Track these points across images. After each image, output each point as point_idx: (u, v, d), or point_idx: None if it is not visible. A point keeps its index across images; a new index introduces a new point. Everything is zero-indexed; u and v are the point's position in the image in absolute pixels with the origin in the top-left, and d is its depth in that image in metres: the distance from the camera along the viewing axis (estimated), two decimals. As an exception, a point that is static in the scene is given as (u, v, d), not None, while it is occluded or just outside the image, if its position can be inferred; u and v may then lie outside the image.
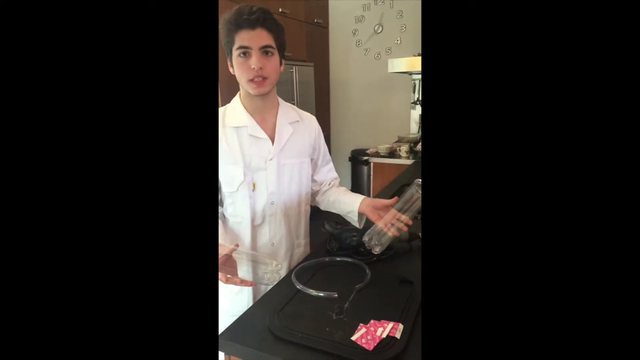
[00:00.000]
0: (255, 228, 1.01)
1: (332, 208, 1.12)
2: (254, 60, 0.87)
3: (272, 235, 1.03)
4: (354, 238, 1.04)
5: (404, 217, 0.92)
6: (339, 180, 1.19)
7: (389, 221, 0.93)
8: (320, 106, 3.43)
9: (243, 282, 0.80)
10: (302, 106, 2.99)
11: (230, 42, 0.88)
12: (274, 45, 0.89)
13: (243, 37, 0.86)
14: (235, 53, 0.88)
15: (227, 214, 1.01)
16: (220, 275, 0.80)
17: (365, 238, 0.95)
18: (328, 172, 1.15)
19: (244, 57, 0.88)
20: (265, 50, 0.88)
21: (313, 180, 1.12)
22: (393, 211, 0.93)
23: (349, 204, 1.05)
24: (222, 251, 0.79)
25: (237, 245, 0.82)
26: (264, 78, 0.90)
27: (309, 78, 3.14)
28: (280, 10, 2.76)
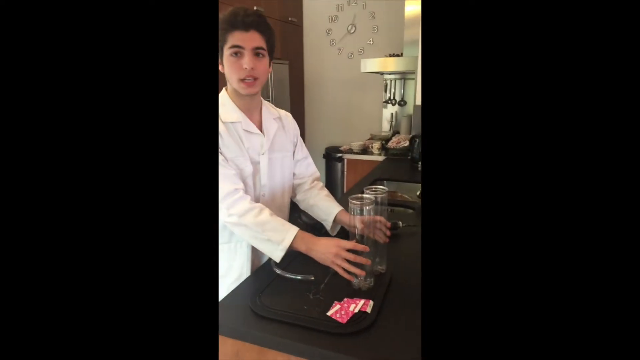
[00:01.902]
0: None
1: (310, 211, 1.17)
2: (247, 60, 0.91)
3: None
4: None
5: (380, 218, 0.94)
6: (318, 175, 1.24)
7: (372, 227, 0.91)
8: (295, 103, 3.48)
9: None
10: (277, 103, 3.05)
11: (223, 42, 0.92)
12: (265, 47, 0.94)
13: (237, 38, 0.90)
14: (227, 52, 0.92)
15: None
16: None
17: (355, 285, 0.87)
18: (307, 167, 1.21)
19: (236, 57, 0.92)
20: (256, 52, 0.92)
21: (293, 175, 1.20)
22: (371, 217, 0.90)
23: (326, 212, 1.11)
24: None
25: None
26: (255, 78, 0.94)
27: (284, 75, 3.19)
28: (255, 8, 2.78)
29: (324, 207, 1.12)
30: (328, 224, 1.11)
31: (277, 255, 0.91)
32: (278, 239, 0.90)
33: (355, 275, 0.86)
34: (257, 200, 1.05)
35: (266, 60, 0.96)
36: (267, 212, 0.92)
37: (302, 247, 0.91)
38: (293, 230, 0.91)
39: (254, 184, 1.04)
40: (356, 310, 0.77)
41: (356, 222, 0.86)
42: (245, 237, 0.94)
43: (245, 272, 1.05)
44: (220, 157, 0.96)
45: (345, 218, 1.07)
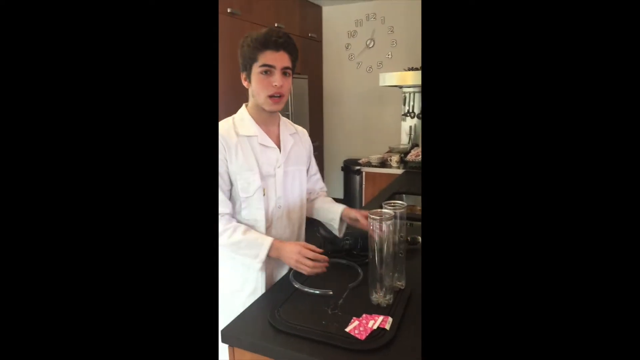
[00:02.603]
0: (267, 230, 1.09)
1: (315, 215, 1.23)
2: (277, 79, 0.98)
3: (279, 237, 1.08)
4: (347, 242, 1.14)
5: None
6: (326, 190, 1.31)
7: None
8: (314, 117, 3.52)
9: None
10: (297, 117, 3.09)
11: (253, 60, 0.97)
12: (291, 67, 1.01)
13: (268, 57, 0.96)
14: (257, 70, 0.98)
15: (240, 218, 1.07)
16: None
17: (374, 301, 0.89)
18: (317, 182, 1.27)
19: (266, 75, 0.98)
20: (284, 71, 0.99)
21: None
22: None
23: (332, 212, 1.17)
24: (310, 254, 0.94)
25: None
26: (281, 96, 1.01)
27: (303, 90, 3.24)
28: (275, 24, 2.86)
29: (328, 208, 1.19)
30: (335, 224, 1.15)
31: (256, 266, 0.98)
32: (253, 253, 0.97)
33: (375, 291, 0.86)
34: (271, 212, 1.08)
35: (291, 78, 1.02)
36: (240, 230, 0.99)
37: (275, 255, 0.98)
38: (267, 242, 0.97)
39: (268, 196, 1.06)
40: (375, 327, 0.77)
41: (373, 234, 0.86)
42: (229, 253, 1.01)
43: (260, 286, 1.06)
44: None
45: (351, 213, 1.12)
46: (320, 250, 0.95)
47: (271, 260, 1.01)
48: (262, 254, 0.96)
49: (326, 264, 0.95)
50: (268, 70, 0.97)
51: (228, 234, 0.97)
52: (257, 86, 0.99)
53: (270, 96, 0.99)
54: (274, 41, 0.95)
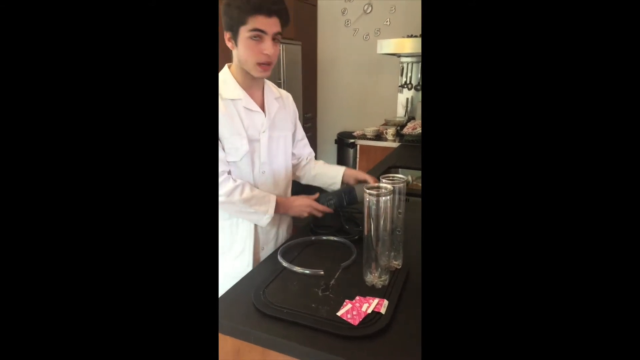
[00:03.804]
0: None
1: (314, 181, 1.23)
2: (268, 46, 0.91)
3: None
4: (331, 201, 1.06)
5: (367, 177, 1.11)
6: (314, 154, 1.28)
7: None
8: (307, 86, 3.38)
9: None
10: (289, 85, 2.95)
11: (242, 22, 0.89)
12: (281, 32, 0.94)
13: (260, 22, 0.88)
14: (246, 34, 0.90)
15: None
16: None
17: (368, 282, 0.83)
18: (304, 147, 1.23)
19: (257, 40, 0.91)
20: (275, 37, 0.92)
21: (292, 154, 1.19)
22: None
23: (331, 176, 1.18)
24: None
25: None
26: (270, 63, 0.95)
27: (297, 57, 3.07)
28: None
29: (326, 172, 1.20)
30: (337, 186, 1.17)
31: (264, 222, 1.01)
32: (263, 209, 1.00)
33: (369, 272, 0.79)
34: (256, 178, 1.05)
35: (279, 44, 0.96)
36: (248, 187, 1.00)
37: (281, 210, 1.03)
38: (273, 199, 1.01)
39: (252, 161, 1.03)
40: (369, 311, 0.70)
41: (369, 210, 0.78)
42: (231, 212, 1.01)
43: (248, 247, 1.05)
44: None
45: (352, 173, 1.15)
46: (328, 210, 1.04)
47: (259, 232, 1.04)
48: (271, 210, 0.99)
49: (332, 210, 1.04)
50: (258, 35, 0.90)
51: (240, 191, 0.97)
52: (245, 52, 0.93)
53: (260, 64, 0.94)
54: (267, 7, 0.88)
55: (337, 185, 1.16)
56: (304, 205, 1.02)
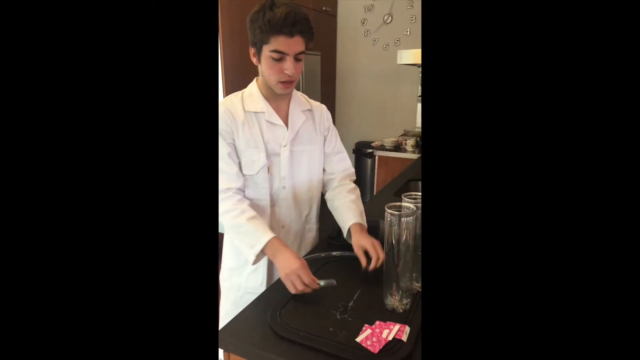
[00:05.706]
0: (272, 209, 1.03)
1: (333, 213, 1.09)
2: (289, 66, 0.90)
3: (283, 218, 1.04)
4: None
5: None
6: (352, 171, 1.14)
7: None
8: (326, 96, 3.37)
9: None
10: (308, 95, 2.93)
11: (264, 42, 0.89)
12: (304, 50, 0.92)
13: (281, 43, 0.87)
14: (268, 54, 0.89)
15: (246, 196, 1.01)
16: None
17: (389, 306, 0.79)
18: (338, 162, 1.12)
19: (277, 61, 0.90)
20: (297, 57, 0.91)
21: (323, 170, 1.12)
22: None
23: (343, 220, 1.02)
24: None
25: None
26: (292, 81, 0.94)
27: (316, 67, 3.08)
28: (288, -4, 2.69)
29: (341, 214, 1.03)
30: (344, 233, 1.03)
31: (249, 258, 0.89)
32: (250, 243, 0.89)
33: (390, 294, 0.76)
34: (276, 192, 1.01)
35: (303, 60, 0.95)
36: (246, 215, 0.91)
37: (270, 254, 0.88)
38: (267, 236, 0.88)
39: (272, 175, 1.00)
40: (390, 338, 0.67)
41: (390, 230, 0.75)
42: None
43: (263, 264, 1.00)
44: (224, 151, 0.94)
45: (355, 236, 0.95)
46: (316, 280, 0.82)
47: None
48: (258, 246, 0.87)
49: (317, 287, 0.82)
50: (281, 57, 0.89)
51: (233, 215, 0.90)
52: (267, 70, 0.93)
53: (282, 82, 0.93)
54: (289, 29, 0.86)
55: (344, 232, 1.02)
56: (289, 264, 0.83)
